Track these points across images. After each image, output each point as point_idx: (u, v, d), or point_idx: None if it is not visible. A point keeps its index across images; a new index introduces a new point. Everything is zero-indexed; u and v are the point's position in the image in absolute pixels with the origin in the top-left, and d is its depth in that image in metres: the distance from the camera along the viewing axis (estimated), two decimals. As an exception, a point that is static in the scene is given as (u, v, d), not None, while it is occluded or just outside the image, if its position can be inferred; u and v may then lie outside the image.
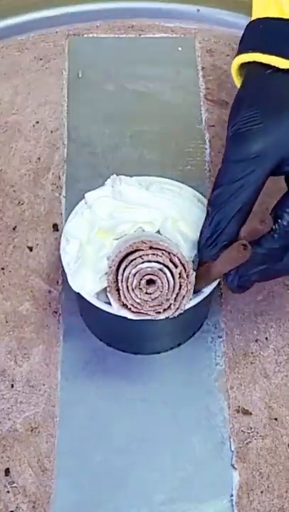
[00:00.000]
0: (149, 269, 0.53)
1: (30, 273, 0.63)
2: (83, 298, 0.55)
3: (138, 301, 0.53)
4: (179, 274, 0.53)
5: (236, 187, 0.52)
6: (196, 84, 0.74)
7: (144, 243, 0.53)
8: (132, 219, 0.56)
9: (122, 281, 0.53)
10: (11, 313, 0.61)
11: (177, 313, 0.54)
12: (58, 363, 0.59)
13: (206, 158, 0.69)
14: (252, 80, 0.57)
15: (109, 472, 0.55)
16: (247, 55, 0.57)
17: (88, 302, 0.55)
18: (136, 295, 0.53)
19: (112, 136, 0.70)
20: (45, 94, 0.73)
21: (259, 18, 0.59)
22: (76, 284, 0.55)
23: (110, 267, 0.53)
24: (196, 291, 0.54)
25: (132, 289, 0.53)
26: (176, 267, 0.53)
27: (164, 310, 0.53)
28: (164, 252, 0.53)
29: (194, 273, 0.53)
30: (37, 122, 0.71)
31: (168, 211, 0.57)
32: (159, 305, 0.53)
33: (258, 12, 0.60)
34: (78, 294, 0.55)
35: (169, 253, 0.53)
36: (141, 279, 0.53)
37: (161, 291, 0.53)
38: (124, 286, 0.53)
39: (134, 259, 0.53)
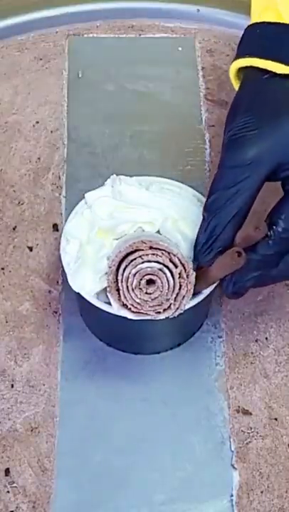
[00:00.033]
0: (149, 269, 0.53)
1: (30, 273, 0.63)
2: (83, 298, 0.55)
3: (138, 301, 0.53)
4: (179, 274, 0.53)
5: (232, 193, 0.52)
6: (196, 84, 0.74)
7: (144, 243, 0.53)
8: (132, 219, 0.56)
9: (122, 281, 0.53)
10: (11, 313, 0.61)
11: (177, 313, 0.54)
12: (58, 363, 0.59)
13: (206, 158, 0.69)
14: (249, 85, 0.57)
15: (109, 472, 0.55)
16: (244, 59, 0.57)
17: (88, 302, 0.55)
18: (136, 295, 0.53)
19: (112, 136, 0.70)
20: (45, 94, 0.73)
21: (257, 23, 0.59)
22: (76, 284, 0.55)
23: (110, 267, 0.53)
24: (195, 293, 0.54)
25: (132, 289, 0.53)
26: (176, 267, 0.53)
27: (164, 310, 0.53)
28: (163, 252, 0.53)
29: (194, 273, 0.53)
30: (37, 122, 0.71)
31: (168, 211, 0.56)
32: (159, 305, 0.53)
33: (256, 16, 0.60)
34: (78, 294, 0.55)
35: (168, 253, 0.53)
36: (141, 279, 0.53)
37: (161, 291, 0.53)
38: (124, 286, 0.53)
39: (134, 259, 0.53)
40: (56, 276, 0.63)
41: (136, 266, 0.53)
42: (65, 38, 0.76)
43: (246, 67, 0.57)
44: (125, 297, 0.53)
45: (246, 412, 0.58)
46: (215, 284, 0.55)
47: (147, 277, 0.53)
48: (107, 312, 0.54)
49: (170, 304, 0.53)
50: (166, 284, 0.53)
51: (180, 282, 0.53)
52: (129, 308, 0.53)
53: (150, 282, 0.53)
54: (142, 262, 0.53)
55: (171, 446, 0.56)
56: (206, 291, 0.55)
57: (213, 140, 0.70)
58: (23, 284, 0.62)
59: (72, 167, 0.68)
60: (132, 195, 0.57)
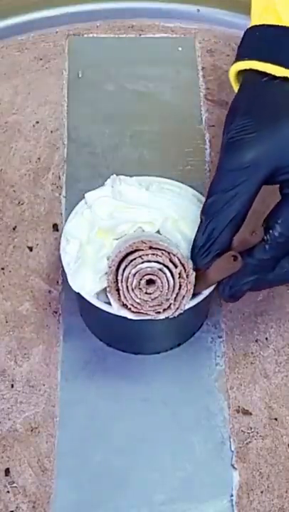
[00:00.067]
0: (148, 269, 0.53)
1: (30, 273, 0.63)
2: (83, 298, 0.55)
3: (138, 301, 0.53)
4: (179, 274, 0.53)
5: (230, 196, 0.52)
6: (196, 84, 0.74)
7: (144, 243, 0.53)
8: (132, 219, 0.56)
9: (121, 281, 0.53)
10: (11, 313, 0.61)
11: (177, 313, 0.54)
12: (58, 363, 0.59)
13: (206, 158, 0.69)
14: (248, 88, 0.57)
15: (109, 472, 0.55)
16: (243, 62, 0.57)
17: (88, 302, 0.55)
18: (136, 295, 0.53)
19: (112, 136, 0.70)
20: (45, 94, 0.73)
21: (256, 25, 0.59)
22: (76, 284, 0.55)
23: (110, 267, 0.53)
24: (194, 295, 0.54)
25: (132, 289, 0.53)
26: (175, 266, 0.53)
27: (164, 310, 0.53)
28: (163, 252, 0.53)
29: (194, 273, 0.53)
30: (37, 122, 0.71)
31: (168, 211, 0.56)
32: (158, 305, 0.53)
33: (256, 17, 0.60)
34: (78, 294, 0.55)
35: (168, 253, 0.53)
36: (141, 279, 0.53)
37: (161, 291, 0.53)
38: (124, 286, 0.53)
39: (134, 259, 0.53)
40: (56, 276, 0.63)
41: (136, 266, 0.53)
42: (65, 38, 0.76)
43: (246, 70, 0.57)
44: (125, 297, 0.53)
45: (246, 412, 0.58)
46: (214, 285, 0.55)
47: (147, 277, 0.53)
48: (107, 312, 0.54)
49: (170, 304, 0.53)
50: (166, 284, 0.53)
51: (180, 282, 0.53)
52: (129, 308, 0.53)
53: (150, 282, 0.53)
54: (142, 262, 0.53)
55: (171, 446, 0.56)
56: (206, 292, 0.55)
57: (213, 140, 0.70)
58: (23, 284, 0.62)
59: (72, 167, 0.68)
60: (132, 195, 0.57)
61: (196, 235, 0.54)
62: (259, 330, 0.61)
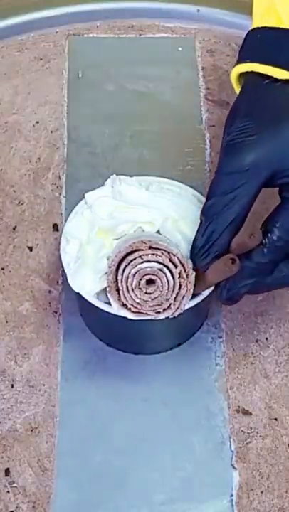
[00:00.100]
0: (148, 269, 0.53)
1: (30, 273, 0.63)
2: (83, 298, 0.55)
3: (138, 301, 0.53)
4: (179, 274, 0.53)
5: (229, 198, 0.52)
6: (196, 84, 0.74)
7: (144, 243, 0.53)
8: (132, 219, 0.56)
9: (121, 281, 0.53)
10: (11, 313, 0.61)
11: (177, 313, 0.54)
12: (58, 363, 0.59)
13: (206, 158, 0.69)
14: (249, 90, 0.57)
15: (109, 472, 0.55)
16: (245, 64, 0.57)
17: (88, 302, 0.55)
18: (136, 295, 0.53)
19: (112, 136, 0.70)
20: (45, 94, 0.73)
21: (258, 28, 0.59)
22: (76, 284, 0.55)
23: (110, 267, 0.53)
24: (194, 295, 0.54)
25: (132, 289, 0.53)
26: (175, 266, 0.53)
27: (164, 310, 0.53)
28: (163, 251, 0.53)
29: (194, 273, 0.53)
30: (37, 122, 0.71)
31: (168, 211, 0.56)
32: (158, 305, 0.53)
33: (258, 19, 0.60)
34: (78, 294, 0.55)
35: (168, 253, 0.53)
36: (140, 279, 0.53)
37: (161, 291, 0.53)
38: (124, 286, 0.53)
39: (134, 259, 0.53)
40: (56, 276, 0.63)
41: (136, 266, 0.53)
42: (65, 38, 0.76)
43: (247, 72, 0.57)
44: (125, 297, 0.53)
45: (246, 412, 0.58)
46: (213, 287, 0.55)
47: (147, 277, 0.53)
48: (107, 312, 0.54)
49: (170, 304, 0.53)
50: (166, 284, 0.53)
51: (180, 282, 0.53)
52: (129, 308, 0.53)
53: (150, 282, 0.53)
54: (142, 262, 0.53)
55: (171, 446, 0.56)
56: (206, 292, 0.55)
57: (213, 140, 0.70)
58: (23, 284, 0.62)
59: (72, 167, 0.68)
60: (132, 195, 0.57)
61: (195, 236, 0.54)
62: (259, 330, 0.61)
